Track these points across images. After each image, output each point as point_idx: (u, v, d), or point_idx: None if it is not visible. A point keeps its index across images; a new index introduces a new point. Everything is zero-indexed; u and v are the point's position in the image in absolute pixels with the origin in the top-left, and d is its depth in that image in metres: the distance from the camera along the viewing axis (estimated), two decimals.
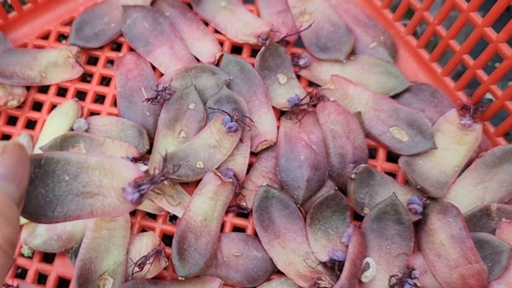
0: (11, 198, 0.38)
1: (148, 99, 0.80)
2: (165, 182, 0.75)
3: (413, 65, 0.87)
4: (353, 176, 0.73)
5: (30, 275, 0.77)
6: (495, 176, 0.75)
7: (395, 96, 0.83)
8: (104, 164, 0.42)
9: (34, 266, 0.77)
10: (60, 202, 0.42)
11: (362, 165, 0.75)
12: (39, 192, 0.42)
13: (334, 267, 0.71)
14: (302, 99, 0.78)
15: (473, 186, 0.75)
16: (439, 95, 0.82)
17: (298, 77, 0.86)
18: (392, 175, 0.79)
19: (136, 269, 0.70)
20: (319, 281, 0.70)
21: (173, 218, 0.80)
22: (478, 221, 0.73)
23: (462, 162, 0.76)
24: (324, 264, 0.72)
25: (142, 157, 0.80)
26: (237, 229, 0.78)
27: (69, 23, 0.93)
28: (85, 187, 0.42)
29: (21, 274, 0.79)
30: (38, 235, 0.76)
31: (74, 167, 0.42)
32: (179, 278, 0.71)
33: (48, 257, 0.79)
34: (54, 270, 0.77)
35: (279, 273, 0.74)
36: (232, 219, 0.78)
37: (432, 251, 0.70)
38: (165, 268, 0.75)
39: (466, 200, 0.75)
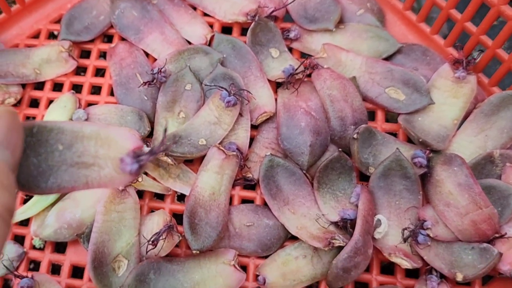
0: (7, 165, 0.36)
1: (144, 83, 0.79)
2: (169, 161, 0.74)
3: (401, 28, 0.87)
4: (355, 136, 0.72)
5: (44, 266, 0.75)
6: (495, 123, 0.74)
7: (387, 59, 0.82)
8: (100, 134, 0.40)
9: (47, 257, 0.75)
10: (54, 173, 0.39)
11: (363, 125, 0.74)
12: (31, 162, 0.39)
13: (346, 225, 0.69)
14: (296, 69, 0.77)
15: (474, 136, 0.75)
16: (431, 53, 0.81)
17: (290, 50, 0.85)
18: (393, 135, 0.78)
19: (150, 247, 0.68)
20: (333, 241, 0.68)
21: (181, 198, 0.78)
22: (483, 168, 0.72)
23: (461, 114, 0.76)
24: (336, 224, 0.70)
25: (145, 140, 0.78)
26: (245, 201, 0.77)
27: (58, 21, 0.91)
28: (80, 157, 0.39)
29: (34, 267, 0.77)
30: (48, 225, 0.74)
31: (68, 136, 0.39)
32: (194, 252, 0.69)
33: (60, 248, 0.77)
34: (68, 259, 0.75)
35: (292, 239, 0.73)
36: (240, 192, 0.76)
37: (441, 201, 0.69)
38: (178, 246, 0.74)
39: (468, 150, 0.74)
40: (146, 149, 0.39)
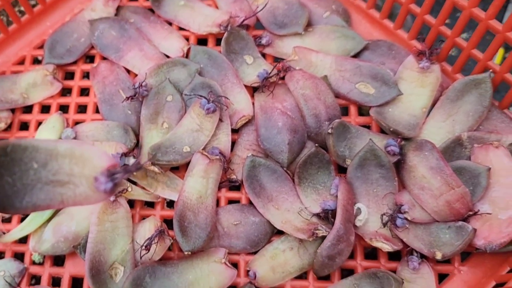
0: None
1: (127, 98, 0.80)
2: (156, 169, 0.75)
3: (367, 26, 0.89)
4: (329, 131, 0.74)
5: (44, 280, 0.76)
6: (460, 108, 0.76)
7: (355, 56, 0.84)
8: (74, 152, 0.38)
9: (46, 272, 0.76)
10: (29, 192, 0.38)
11: (337, 120, 0.75)
12: (6, 181, 0.37)
13: (328, 216, 0.71)
14: (270, 72, 0.79)
15: (442, 121, 0.77)
16: (395, 47, 0.84)
17: (264, 55, 0.87)
18: (367, 127, 0.80)
19: (144, 252, 0.70)
20: (317, 231, 0.70)
21: (170, 205, 0.80)
22: (453, 151, 0.74)
23: (428, 103, 0.78)
24: (318, 216, 0.72)
25: (131, 152, 0.79)
26: (232, 202, 0.78)
27: (41, 46, 0.93)
28: (55, 176, 0.38)
29: (36, 282, 0.78)
30: (45, 240, 0.75)
31: (42, 155, 0.38)
32: (186, 253, 0.70)
33: (58, 261, 0.78)
34: (67, 271, 0.76)
35: (279, 233, 0.74)
36: (226, 194, 0.78)
37: (416, 185, 0.71)
38: (171, 250, 0.75)
39: (438, 135, 0.76)
40: (119, 168, 0.39)
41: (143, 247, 0.70)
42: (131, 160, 0.77)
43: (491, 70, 0.76)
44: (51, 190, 0.38)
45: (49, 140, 0.40)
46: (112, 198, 0.74)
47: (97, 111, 0.86)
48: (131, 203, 0.78)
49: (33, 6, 0.95)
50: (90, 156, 0.38)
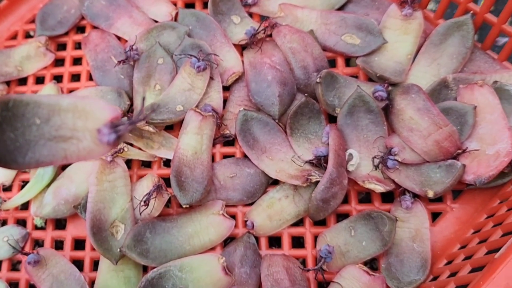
0: None
1: (119, 62, 0.80)
2: (151, 129, 0.75)
3: None
4: (318, 80, 0.74)
5: (47, 243, 0.76)
6: (444, 51, 0.76)
7: (340, 9, 0.83)
8: (77, 106, 0.37)
9: (49, 235, 0.76)
10: (31, 147, 0.37)
11: (324, 70, 0.75)
12: (8, 137, 0.36)
13: (320, 162, 0.71)
14: (257, 29, 0.79)
15: (427, 66, 0.76)
16: None
17: (250, 15, 0.87)
18: (355, 78, 0.80)
19: (143, 208, 0.70)
20: (310, 177, 0.70)
21: (167, 164, 0.79)
22: (439, 94, 0.74)
23: (413, 49, 0.77)
24: (311, 163, 0.72)
25: (126, 114, 0.79)
26: (227, 157, 0.78)
27: (32, 21, 0.92)
28: (58, 131, 0.37)
29: (39, 247, 0.78)
30: (46, 204, 0.75)
31: (45, 110, 0.37)
32: (184, 206, 0.70)
33: (60, 225, 0.78)
34: (69, 234, 0.76)
35: (274, 184, 0.74)
36: (221, 149, 0.78)
37: (405, 128, 0.71)
38: (169, 207, 0.75)
39: (424, 80, 0.76)
40: (124, 119, 0.37)
41: (142, 202, 0.69)
42: (123, 118, 0.77)
43: (471, 12, 0.76)
44: (54, 146, 0.37)
45: (51, 95, 0.38)
46: (109, 159, 0.74)
47: (90, 79, 0.85)
48: (129, 165, 0.78)
49: None
50: (93, 109, 0.37)
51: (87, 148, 0.37)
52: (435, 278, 0.65)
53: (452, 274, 0.61)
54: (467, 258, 0.62)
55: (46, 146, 0.37)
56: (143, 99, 0.75)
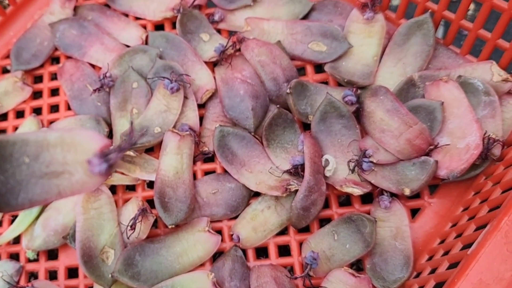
0: None
1: (94, 90, 0.80)
2: (132, 153, 0.75)
3: None
4: (288, 91, 0.74)
5: (41, 274, 0.76)
6: (408, 51, 0.76)
7: (304, 18, 0.83)
8: (65, 139, 0.35)
9: (42, 267, 0.76)
10: (23, 187, 0.35)
11: (294, 80, 0.75)
12: None
13: (298, 171, 0.71)
14: (226, 45, 0.79)
15: (393, 66, 0.76)
16: (340, 4, 0.83)
17: (219, 31, 0.86)
18: (325, 83, 0.80)
19: (130, 232, 0.70)
20: (289, 186, 0.70)
21: (150, 186, 0.79)
22: (407, 92, 0.74)
23: (378, 51, 0.77)
24: (289, 172, 0.72)
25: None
26: (208, 173, 0.78)
27: (7, 56, 0.92)
28: (49, 167, 0.35)
29: (34, 279, 0.78)
30: (36, 236, 0.75)
31: (33, 147, 0.35)
32: (170, 227, 0.70)
33: (52, 255, 0.78)
34: (61, 264, 0.76)
35: (256, 196, 0.74)
36: (201, 166, 0.78)
37: (376, 129, 0.71)
38: (156, 227, 0.75)
39: (391, 80, 0.76)
40: (113, 147, 0.35)
41: (129, 227, 0.69)
42: (111, 147, 0.77)
43: (430, 10, 0.76)
44: (46, 183, 0.35)
45: (37, 132, 0.36)
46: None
47: (68, 108, 0.85)
48: (114, 190, 0.78)
49: None
50: (81, 141, 0.35)
51: (80, 181, 0.35)
52: (418, 275, 0.65)
53: (433, 270, 0.61)
54: (446, 253, 0.62)
55: (38, 185, 0.35)
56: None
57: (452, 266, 0.56)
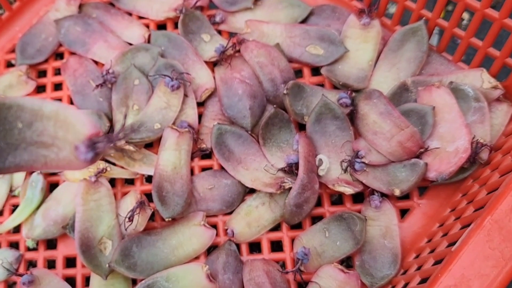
0: None
1: (97, 86, 0.82)
2: (131, 148, 0.77)
3: None
4: (285, 91, 0.76)
5: (40, 263, 0.77)
6: (402, 56, 0.79)
7: (302, 22, 0.86)
8: (59, 115, 0.35)
9: (41, 255, 0.78)
10: (12, 151, 0.35)
11: (291, 81, 0.77)
12: None
13: (292, 169, 0.73)
14: (226, 45, 0.81)
15: (387, 71, 0.79)
16: (338, 9, 0.85)
17: (219, 32, 0.89)
18: (321, 86, 0.82)
19: (128, 223, 0.72)
20: (283, 184, 0.72)
21: (149, 180, 0.81)
22: (400, 97, 0.76)
23: (373, 56, 0.80)
24: (284, 170, 0.74)
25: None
26: (205, 170, 0.80)
27: (12, 50, 0.94)
28: (39, 137, 0.35)
29: (33, 268, 0.79)
30: (36, 226, 0.77)
31: (28, 114, 0.35)
32: (166, 220, 0.72)
33: (51, 245, 0.80)
34: (60, 253, 0.78)
35: (251, 192, 0.76)
36: (199, 163, 0.80)
37: (369, 131, 0.73)
38: (153, 221, 0.77)
39: (386, 84, 0.78)
40: (102, 137, 0.36)
41: (127, 219, 0.71)
42: (101, 136, 0.79)
43: (424, 18, 0.78)
44: (34, 151, 0.35)
45: (34, 100, 0.36)
46: (93, 179, 0.75)
47: (71, 103, 0.87)
48: (113, 183, 0.80)
49: (1, 14, 0.95)
50: (74, 122, 0.35)
51: (66, 159, 0.35)
52: (405, 272, 0.67)
53: (419, 268, 0.63)
54: (432, 251, 0.64)
55: (27, 151, 0.35)
56: (125, 116, 0.77)
57: (437, 263, 0.58)
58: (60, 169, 0.37)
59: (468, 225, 0.58)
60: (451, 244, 0.59)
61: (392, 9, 0.92)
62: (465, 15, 0.92)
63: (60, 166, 0.36)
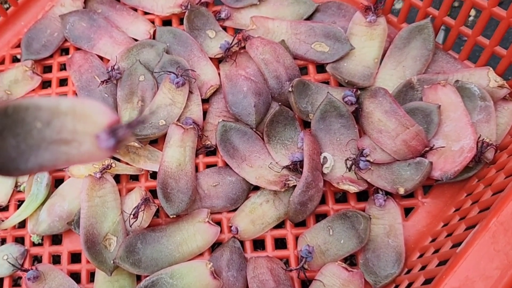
0: None
1: (102, 82, 0.82)
2: (136, 144, 0.77)
3: None
4: (290, 89, 0.75)
5: (45, 258, 0.78)
6: (408, 54, 0.78)
7: (308, 19, 0.85)
8: (76, 109, 0.35)
9: (46, 251, 0.78)
10: (34, 152, 0.35)
11: (296, 79, 0.77)
12: (9, 144, 0.34)
13: (297, 167, 0.73)
14: (231, 43, 0.81)
15: (393, 69, 0.78)
16: (344, 6, 0.85)
17: (225, 28, 0.88)
18: (326, 83, 0.82)
19: (133, 220, 0.72)
20: (288, 182, 0.72)
21: (154, 176, 0.81)
22: (406, 95, 0.76)
23: (379, 53, 0.79)
24: (288, 168, 0.74)
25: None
26: (209, 166, 0.80)
27: (18, 45, 0.93)
28: (59, 134, 0.34)
29: (38, 262, 0.80)
30: (42, 221, 0.77)
31: (45, 113, 0.35)
32: (171, 217, 0.72)
33: (56, 240, 0.80)
34: (65, 249, 0.78)
35: (255, 190, 0.76)
36: (203, 159, 0.80)
37: (374, 130, 0.73)
38: (158, 217, 0.77)
39: (391, 82, 0.78)
40: (122, 123, 0.34)
41: (132, 215, 0.71)
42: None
43: (431, 16, 0.78)
44: (56, 149, 0.35)
45: (50, 98, 0.35)
46: (98, 175, 0.75)
47: None
48: (118, 179, 0.80)
49: (6, 9, 0.95)
50: (92, 112, 0.35)
51: (88, 152, 0.35)
52: (409, 271, 0.67)
53: (423, 267, 0.63)
54: (436, 251, 0.64)
55: (48, 150, 0.35)
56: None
57: (442, 263, 0.58)
58: (83, 163, 0.36)
59: (473, 226, 0.57)
60: (456, 244, 0.58)
61: (399, 4, 0.91)
62: (472, 11, 0.92)
63: (82, 160, 0.35)
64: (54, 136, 0.35)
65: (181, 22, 0.90)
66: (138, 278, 0.74)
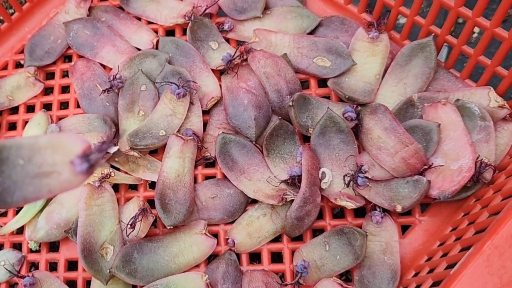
0: None
1: (104, 90, 0.82)
2: (136, 154, 0.77)
3: (320, 4, 0.90)
4: (290, 103, 0.76)
5: (42, 265, 0.78)
6: (410, 72, 0.78)
7: (311, 33, 0.86)
8: (53, 142, 0.38)
9: (43, 258, 0.78)
10: (18, 187, 0.37)
11: (297, 93, 0.77)
12: None
13: (295, 182, 0.73)
14: (233, 55, 0.81)
15: (394, 85, 0.79)
16: (347, 21, 0.85)
17: (227, 40, 0.89)
18: (327, 98, 0.82)
19: (130, 230, 0.72)
20: (286, 196, 0.72)
21: (152, 186, 0.82)
22: (406, 112, 0.76)
23: (381, 70, 0.79)
24: (286, 182, 0.74)
25: (112, 141, 0.81)
26: (208, 178, 0.80)
27: (21, 51, 0.94)
28: (40, 168, 0.38)
29: (34, 269, 0.80)
30: (39, 228, 0.78)
31: (26, 151, 0.38)
32: (168, 228, 0.72)
33: (53, 247, 0.80)
34: (62, 256, 0.78)
35: (253, 203, 0.77)
36: (202, 171, 0.80)
37: (373, 146, 0.73)
38: (155, 227, 0.77)
39: (392, 99, 0.78)
40: (93, 149, 0.38)
41: (129, 225, 0.72)
42: (113, 148, 0.79)
43: (433, 34, 0.78)
44: (38, 182, 0.38)
45: (29, 137, 0.39)
46: (97, 184, 0.76)
47: (78, 106, 0.87)
48: (116, 188, 0.80)
49: (11, 14, 0.96)
50: (66, 143, 0.38)
51: (67, 180, 0.38)
52: None
53: (417, 287, 0.63)
54: (431, 271, 0.64)
55: (31, 184, 0.38)
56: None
57: (436, 284, 0.58)
58: (64, 191, 0.38)
59: (468, 248, 0.57)
60: (450, 265, 0.58)
61: (403, 19, 0.91)
62: (476, 28, 0.92)
63: (63, 189, 0.38)
64: (36, 170, 0.38)
65: (184, 32, 0.90)
66: None
